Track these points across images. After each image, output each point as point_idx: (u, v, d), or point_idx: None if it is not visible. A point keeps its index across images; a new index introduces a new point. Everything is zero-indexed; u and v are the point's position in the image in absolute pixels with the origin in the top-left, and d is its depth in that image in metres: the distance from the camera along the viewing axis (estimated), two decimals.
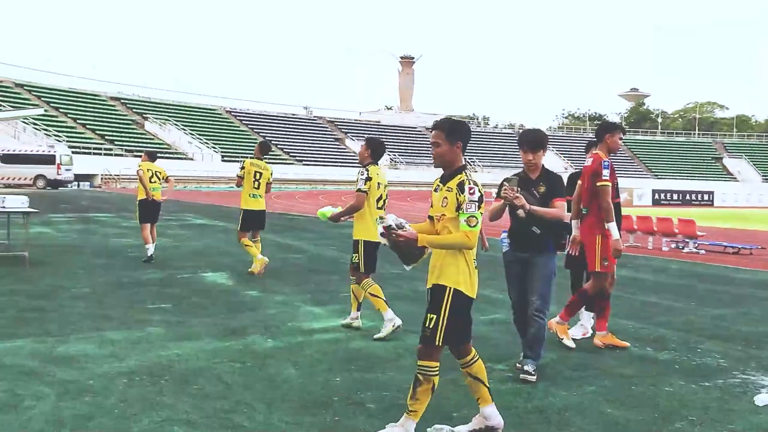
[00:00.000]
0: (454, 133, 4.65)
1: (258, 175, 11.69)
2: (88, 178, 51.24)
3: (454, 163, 4.66)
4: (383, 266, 10.15)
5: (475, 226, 4.48)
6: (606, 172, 7.01)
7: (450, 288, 4.56)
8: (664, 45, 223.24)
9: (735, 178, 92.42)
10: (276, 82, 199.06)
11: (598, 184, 7.02)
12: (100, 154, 56.08)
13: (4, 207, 12.41)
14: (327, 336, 7.52)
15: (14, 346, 6.73)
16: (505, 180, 5.96)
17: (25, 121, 54.37)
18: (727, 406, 5.56)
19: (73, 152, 49.17)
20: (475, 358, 4.80)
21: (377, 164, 7.87)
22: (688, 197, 53.99)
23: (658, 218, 17.80)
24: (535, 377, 5.99)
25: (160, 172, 13.54)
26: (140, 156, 14.10)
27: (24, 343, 6.85)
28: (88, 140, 58.38)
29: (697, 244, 17.76)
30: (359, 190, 7.62)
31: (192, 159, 63.37)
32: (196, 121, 72.56)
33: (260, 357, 6.58)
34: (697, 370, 6.55)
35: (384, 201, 7.88)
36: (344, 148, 79.64)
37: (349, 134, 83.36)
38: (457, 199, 4.53)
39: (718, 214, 37.85)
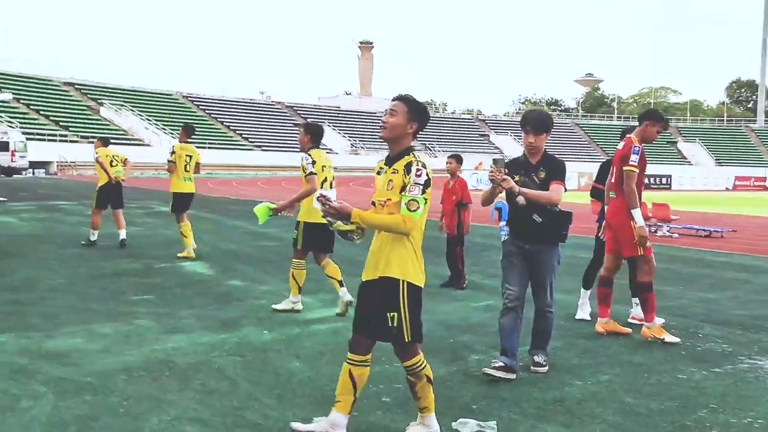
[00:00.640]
0: (416, 111, 4.26)
1: (188, 158, 11.92)
2: (43, 165, 50.05)
3: (402, 141, 4.27)
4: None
5: (415, 210, 4.11)
6: (635, 158, 6.84)
7: (402, 281, 4.21)
8: (616, 30, 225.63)
9: (689, 162, 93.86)
10: (233, 68, 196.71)
11: (625, 168, 6.86)
12: (55, 140, 54.81)
13: None
14: (324, 327, 7.31)
15: None
16: (493, 161, 5.52)
17: None
18: (743, 392, 5.49)
19: (27, 139, 47.96)
20: (423, 364, 4.40)
21: (318, 147, 8.04)
22: (646, 181, 54.39)
23: None
24: (546, 368, 5.87)
25: (117, 156, 13.46)
26: (94, 143, 13.83)
27: (7, 339, 6.52)
28: (42, 126, 56.99)
29: (670, 228, 17.87)
30: (310, 173, 7.74)
31: (149, 145, 62.25)
32: (152, 106, 71.21)
33: (260, 350, 6.34)
34: (705, 356, 6.49)
35: (330, 183, 7.97)
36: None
37: (308, 120, 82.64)
38: (403, 180, 4.16)
39: (678, 198, 38.28)
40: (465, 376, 5.71)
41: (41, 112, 60.08)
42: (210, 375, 5.60)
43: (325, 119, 77.75)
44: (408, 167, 4.16)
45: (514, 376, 5.60)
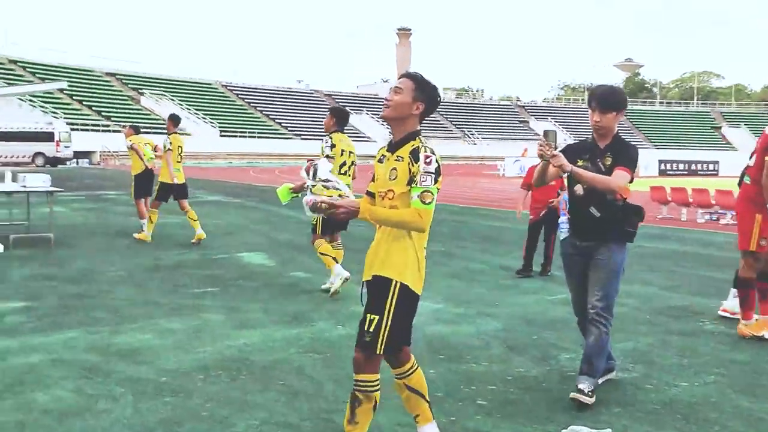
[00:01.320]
0: (424, 89, 3.73)
1: (180, 149, 12.24)
2: (86, 155, 50.46)
3: (407, 124, 3.74)
4: (430, 246, 9.71)
5: (429, 203, 3.60)
6: None
7: (395, 282, 3.68)
8: (655, 13, 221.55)
9: (734, 147, 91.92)
10: (270, 56, 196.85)
11: (767, 158, 6.38)
12: (98, 130, 55.22)
13: (24, 186, 11.82)
14: None
15: (67, 338, 6.18)
16: (543, 133, 4.68)
17: (22, 98, 53.38)
18: None
19: (71, 129, 48.36)
20: (415, 367, 3.93)
21: (342, 132, 8.11)
22: (693, 167, 53.36)
23: (694, 189, 17.26)
24: (592, 399, 4.68)
25: (149, 143, 13.50)
26: (124, 130, 13.68)
27: (77, 335, 6.30)
28: (84, 117, 57.50)
29: (733, 216, 17.24)
30: (327, 156, 7.80)
31: (189, 134, 62.45)
32: (192, 96, 71.54)
33: (337, 347, 6.03)
34: None
35: (349, 167, 8.10)
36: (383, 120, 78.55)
37: (347, 108, 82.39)
38: (410, 169, 3.64)
39: (728, 185, 37.36)
40: (561, 377, 5.35)
41: (84, 103, 60.61)
42: (291, 374, 5.31)
43: (363, 107, 77.47)
44: (415, 154, 3.64)
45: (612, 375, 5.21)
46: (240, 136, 65.31)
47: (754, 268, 6.58)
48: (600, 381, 5.00)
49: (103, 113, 59.64)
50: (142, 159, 12.91)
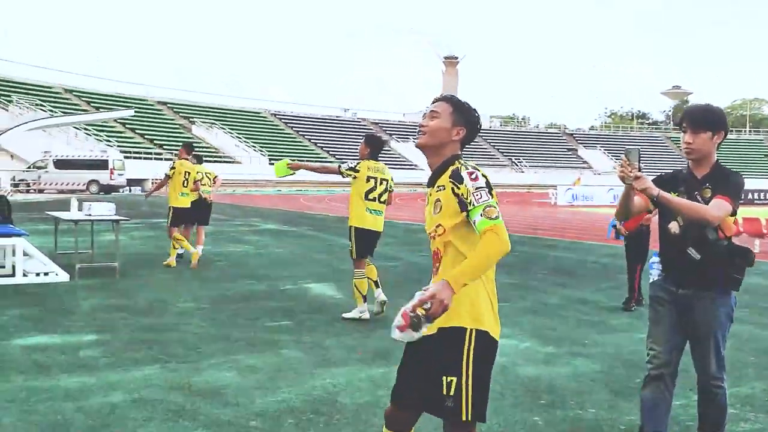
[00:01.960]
0: (463, 112, 3.28)
1: (187, 174, 12.56)
2: (138, 182, 51.00)
3: (446, 152, 3.26)
4: (498, 277, 9.31)
5: (497, 217, 3.01)
6: None
7: (470, 330, 3.11)
8: (703, 41, 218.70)
9: None
10: (316, 83, 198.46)
11: None
12: (150, 158, 55.89)
13: (90, 215, 11.74)
14: None
15: (145, 376, 5.93)
16: (625, 152, 3.87)
17: (77, 126, 54.32)
18: None
19: (124, 157, 49.00)
20: None
21: (376, 160, 8.34)
22: (750, 196, 52.21)
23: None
24: None
25: (209, 173, 13.77)
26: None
27: (154, 372, 6.05)
28: (137, 144, 58.28)
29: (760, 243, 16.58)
30: (348, 168, 8.18)
31: (239, 162, 63.01)
32: (242, 124, 72.26)
33: None
34: None
35: (380, 194, 8.30)
36: (390, 150, 78.69)
37: (394, 136, 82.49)
38: (455, 193, 3.12)
39: None
40: (678, 426, 4.93)
41: (137, 131, 61.49)
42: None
43: (410, 135, 77.38)
44: (456, 176, 3.14)
45: None
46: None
47: None
48: None
49: (155, 141, 60.44)
50: (197, 190, 12.98)
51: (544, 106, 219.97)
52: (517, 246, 17.05)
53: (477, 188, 3.07)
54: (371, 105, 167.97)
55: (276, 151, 67.35)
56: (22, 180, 45.38)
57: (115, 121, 60.87)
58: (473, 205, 3.05)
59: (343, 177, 8.25)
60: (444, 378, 3.13)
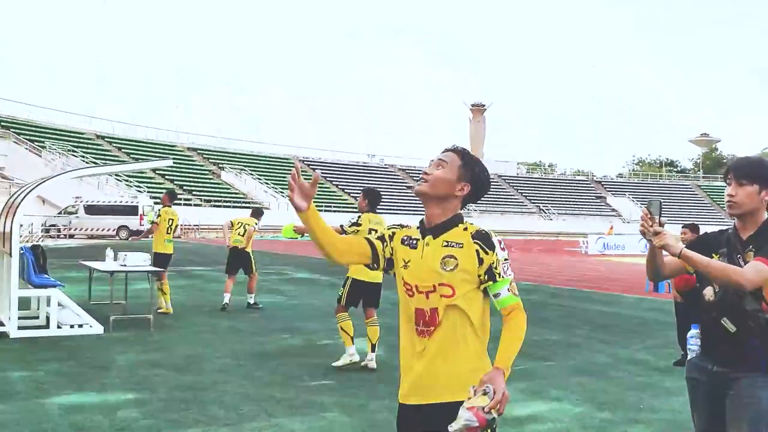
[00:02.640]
0: (473, 168, 3.04)
1: (170, 221, 12.91)
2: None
3: (446, 206, 3.02)
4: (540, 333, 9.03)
5: (518, 294, 2.93)
6: None
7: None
8: (731, 88, 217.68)
9: None
10: (341, 129, 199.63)
11: None
12: (180, 204, 56.19)
13: (125, 265, 11.63)
14: (544, 427, 6.31)
15: None
16: (647, 204, 3.45)
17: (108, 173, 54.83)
18: None
19: (154, 203, 49.30)
20: None
21: (374, 212, 8.55)
22: None
23: None
24: None
25: (248, 224, 13.99)
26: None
27: None
28: (166, 190, 58.68)
29: None
30: (352, 223, 8.29)
31: (267, 208, 63.07)
32: (270, 170, 72.75)
33: None
34: None
35: None
36: (413, 196, 78.70)
37: (420, 182, 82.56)
38: (480, 257, 2.89)
39: None
40: None
41: (166, 177, 62.02)
42: None
43: None
44: (486, 240, 2.92)
45: None
46: (317, 209, 65.78)
47: None
48: None
49: (184, 187, 60.89)
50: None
51: (569, 153, 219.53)
52: (553, 298, 16.73)
53: (505, 260, 2.94)
54: (395, 151, 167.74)
55: None
56: (53, 225, 45.75)
57: None
58: (502, 277, 2.90)
59: (348, 234, 7.96)
60: None
